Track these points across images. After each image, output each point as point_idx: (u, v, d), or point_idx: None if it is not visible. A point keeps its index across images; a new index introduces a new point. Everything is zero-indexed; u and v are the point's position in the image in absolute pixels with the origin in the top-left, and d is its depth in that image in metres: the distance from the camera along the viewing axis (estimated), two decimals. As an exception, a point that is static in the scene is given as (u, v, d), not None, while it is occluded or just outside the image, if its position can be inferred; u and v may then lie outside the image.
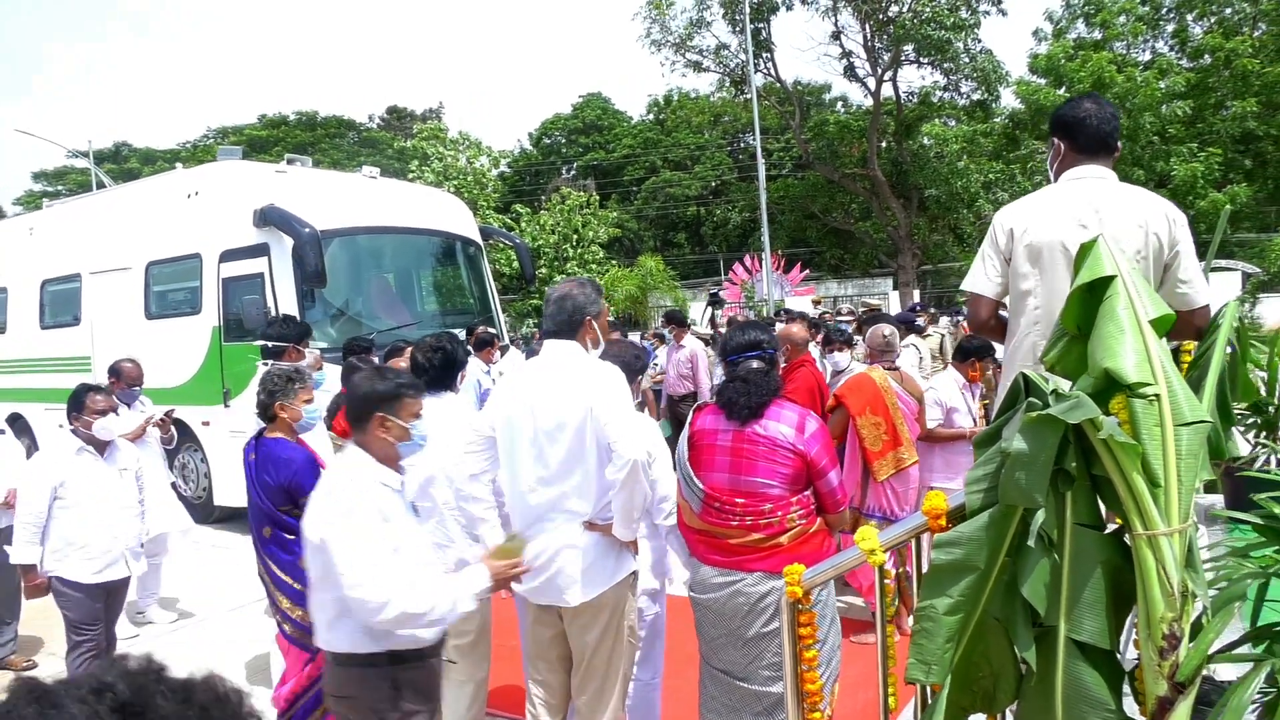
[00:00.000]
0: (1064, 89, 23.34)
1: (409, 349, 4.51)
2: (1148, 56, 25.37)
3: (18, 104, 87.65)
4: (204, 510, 8.72)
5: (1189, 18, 25.34)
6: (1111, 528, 2.03)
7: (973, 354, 5.42)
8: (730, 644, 2.96)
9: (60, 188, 41.43)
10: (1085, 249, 2.18)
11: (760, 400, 2.99)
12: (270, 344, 5.31)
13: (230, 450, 7.86)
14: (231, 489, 8.23)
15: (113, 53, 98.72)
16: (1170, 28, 25.82)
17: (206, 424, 8.56)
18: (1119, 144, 2.84)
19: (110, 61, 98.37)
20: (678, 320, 9.92)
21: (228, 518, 8.75)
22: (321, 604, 2.55)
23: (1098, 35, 25.16)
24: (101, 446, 4.47)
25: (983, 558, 1.88)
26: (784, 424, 2.97)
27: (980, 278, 2.88)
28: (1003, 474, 1.89)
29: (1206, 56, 23.95)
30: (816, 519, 2.99)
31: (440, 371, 3.76)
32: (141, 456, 4.95)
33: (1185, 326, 2.71)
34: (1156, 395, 1.91)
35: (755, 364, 3.11)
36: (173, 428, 6.46)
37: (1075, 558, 1.92)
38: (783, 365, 5.31)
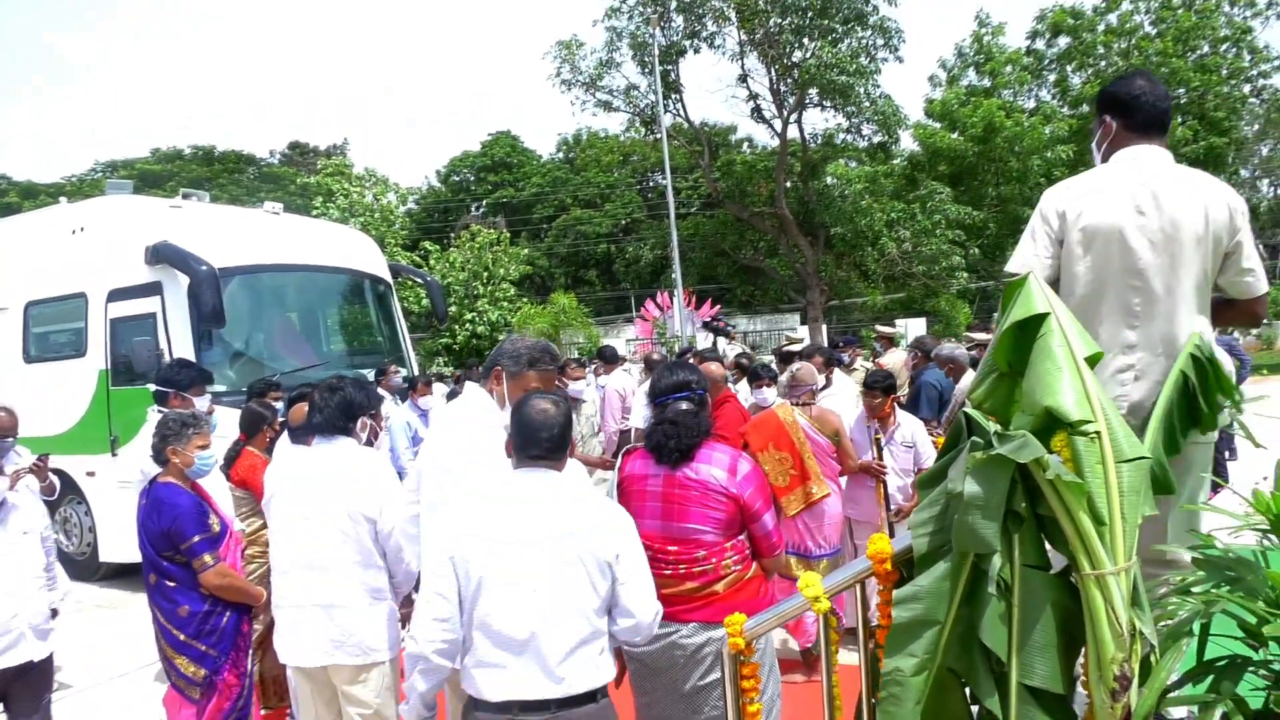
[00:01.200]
0: (957, 133, 24.51)
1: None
2: (1033, 104, 26.88)
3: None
4: (88, 567, 8.11)
5: (1068, 69, 27.01)
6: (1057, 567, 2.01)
7: (874, 389, 5.41)
8: (667, 698, 2.83)
9: (-71, 223, 38.85)
10: (1014, 288, 2.18)
11: (689, 442, 2.91)
12: (157, 389, 4.98)
13: (118, 502, 7.35)
14: (119, 543, 7.69)
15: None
16: (1052, 78, 27.46)
17: (91, 474, 7.99)
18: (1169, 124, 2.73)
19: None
20: (606, 357, 9.82)
21: (115, 575, 8.16)
22: (584, 637, 2.30)
23: (987, 83, 26.55)
24: None
25: (942, 610, 1.82)
26: (715, 466, 2.89)
27: (1030, 257, 2.68)
28: (956, 519, 1.84)
29: (1085, 105, 25.50)
30: (752, 564, 2.90)
31: (335, 414, 3.57)
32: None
33: (1245, 314, 2.70)
34: (1097, 433, 1.90)
35: (684, 405, 3.04)
36: (53, 477, 5.98)
37: (1024, 600, 1.89)
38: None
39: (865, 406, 5.48)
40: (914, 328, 22.69)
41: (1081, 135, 24.45)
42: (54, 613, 3.86)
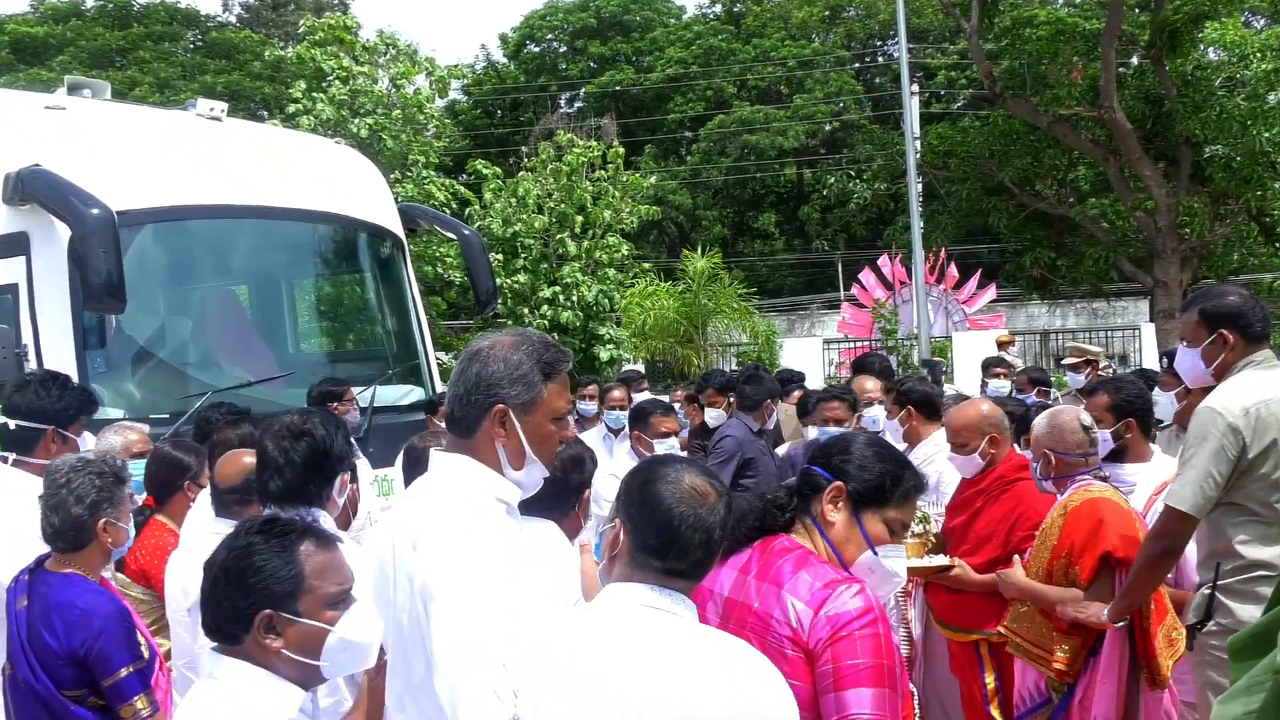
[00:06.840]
0: None
1: (258, 431, 4.53)
2: None
3: None
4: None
5: None
6: None
7: None
8: None
9: None
10: None
11: (729, 534, 2.81)
12: (13, 423, 5.30)
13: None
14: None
15: None
16: None
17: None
18: None
19: None
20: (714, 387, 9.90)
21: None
22: None
23: None
24: None
25: None
26: (790, 593, 2.95)
27: None
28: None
29: None
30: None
31: (301, 473, 3.79)
32: None
33: None
34: None
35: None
36: None
37: None
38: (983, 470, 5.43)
39: None
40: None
41: None
42: None
